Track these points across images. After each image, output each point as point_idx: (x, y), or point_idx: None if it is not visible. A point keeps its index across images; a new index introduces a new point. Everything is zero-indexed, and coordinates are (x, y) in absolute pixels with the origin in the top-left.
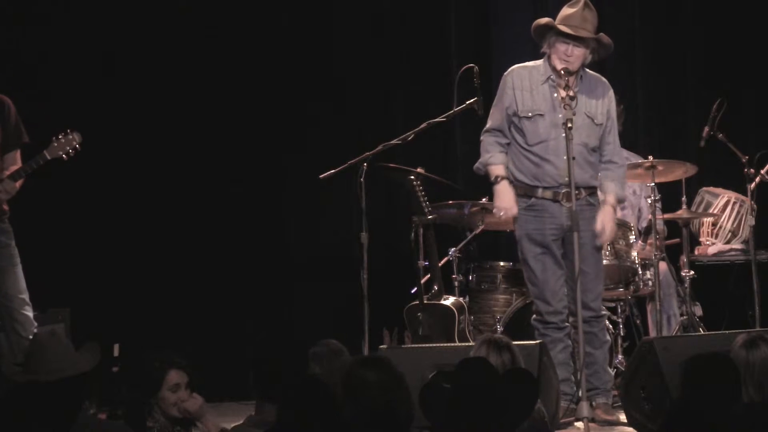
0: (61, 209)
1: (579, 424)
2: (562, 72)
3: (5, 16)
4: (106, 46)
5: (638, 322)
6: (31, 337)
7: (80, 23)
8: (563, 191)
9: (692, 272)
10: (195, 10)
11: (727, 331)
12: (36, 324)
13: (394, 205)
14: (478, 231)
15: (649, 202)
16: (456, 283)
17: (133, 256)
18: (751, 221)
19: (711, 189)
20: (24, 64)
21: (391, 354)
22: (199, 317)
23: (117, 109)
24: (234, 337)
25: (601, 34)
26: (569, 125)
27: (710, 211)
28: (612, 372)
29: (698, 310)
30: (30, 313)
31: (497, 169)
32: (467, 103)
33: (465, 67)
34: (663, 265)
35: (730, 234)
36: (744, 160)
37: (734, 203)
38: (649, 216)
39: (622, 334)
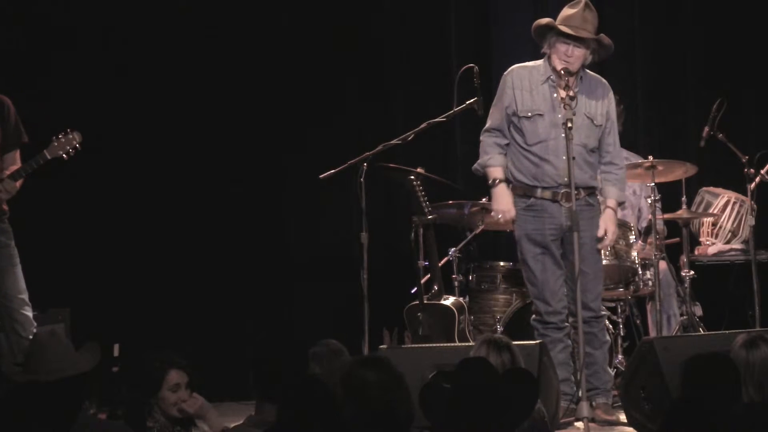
0: (61, 209)
1: (579, 424)
2: (562, 72)
3: (5, 16)
4: (107, 46)
5: (638, 322)
6: (30, 337)
7: (80, 23)
8: (562, 191)
9: (692, 272)
10: (195, 10)
11: (727, 331)
12: (36, 324)
13: (394, 205)
14: (478, 231)
15: (649, 202)
16: (456, 283)
17: (133, 257)
18: (751, 221)
19: (711, 189)
20: (24, 63)
21: (391, 354)
22: (199, 317)
23: (117, 109)
24: (234, 337)
25: (602, 34)
26: (569, 125)
27: (710, 211)
28: (612, 372)
29: (698, 310)
30: (30, 313)
31: (495, 172)
32: (467, 103)
33: (465, 67)
34: (663, 265)
35: (730, 234)
36: (744, 160)
37: (734, 203)
38: (649, 216)
39: (622, 334)
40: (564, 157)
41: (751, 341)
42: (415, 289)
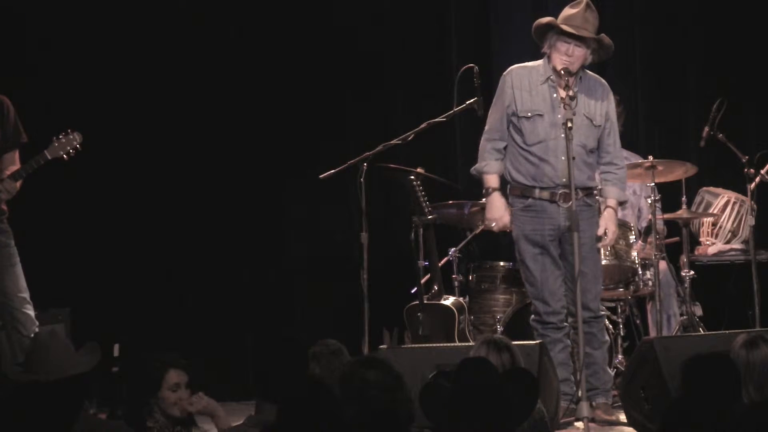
0: (61, 209)
1: (579, 424)
2: (563, 72)
3: (5, 16)
4: (107, 46)
5: (638, 322)
6: (32, 335)
7: (80, 23)
8: (560, 192)
9: (692, 272)
10: (194, 10)
11: (727, 331)
12: (37, 323)
13: (394, 205)
14: (478, 231)
15: (649, 202)
16: (456, 283)
17: (133, 257)
18: (751, 221)
19: (711, 189)
20: (24, 64)
21: (391, 354)
22: (199, 317)
23: (117, 109)
24: (234, 337)
25: (602, 34)
26: (569, 125)
27: (710, 211)
28: (612, 372)
29: (698, 310)
30: (31, 312)
31: (491, 180)
32: (467, 103)
33: (465, 67)
34: (663, 265)
35: (730, 234)
36: (744, 160)
37: (734, 203)
38: (649, 216)
39: (622, 334)
40: (563, 158)
41: (752, 341)
42: (415, 289)
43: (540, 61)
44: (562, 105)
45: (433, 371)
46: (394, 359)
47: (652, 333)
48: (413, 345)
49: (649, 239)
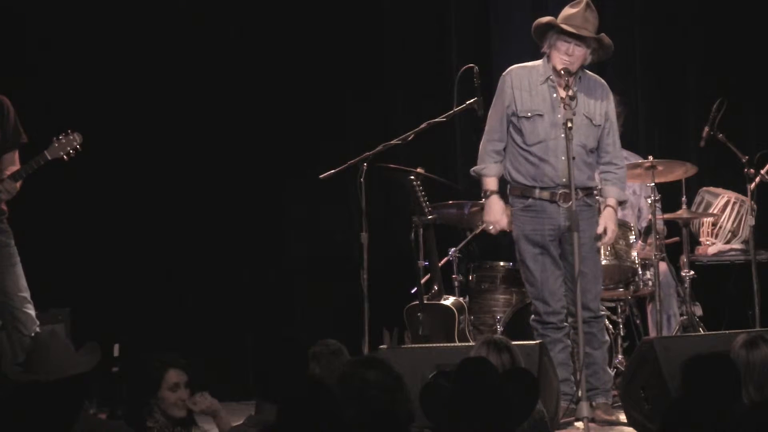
0: (61, 209)
1: (579, 424)
2: (563, 72)
3: (5, 16)
4: (107, 46)
5: (638, 322)
6: (33, 335)
7: (80, 23)
8: (560, 192)
9: (692, 272)
10: (194, 10)
11: (727, 331)
12: (38, 322)
13: (394, 205)
14: (478, 231)
15: (649, 202)
16: (456, 283)
17: (133, 257)
18: (751, 221)
19: (711, 189)
20: (24, 64)
21: (391, 354)
22: (199, 317)
23: (117, 109)
24: (234, 337)
25: (602, 34)
26: (569, 125)
27: (710, 211)
28: (612, 372)
29: (698, 310)
30: (32, 311)
31: (489, 183)
32: (467, 103)
33: (465, 67)
34: (663, 265)
35: (730, 234)
36: (744, 160)
37: (734, 203)
38: (649, 216)
39: (622, 334)
40: (563, 158)
41: (752, 341)
42: (415, 289)
43: (539, 61)
44: (561, 105)
45: (433, 371)
46: (394, 359)
47: (652, 333)
48: (413, 345)
49: (649, 239)
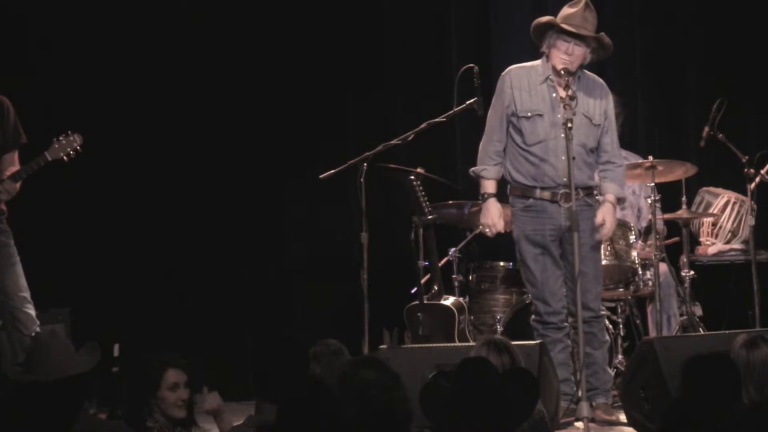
0: (61, 209)
1: (579, 424)
2: (563, 72)
3: (5, 16)
4: (107, 46)
5: (638, 322)
6: (33, 334)
7: (80, 23)
8: (561, 191)
9: (692, 272)
10: (194, 10)
11: (727, 331)
12: (38, 322)
13: (394, 205)
14: (478, 231)
15: (649, 202)
16: (456, 283)
17: (133, 257)
18: (751, 221)
19: (711, 189)
20: (24, 64)
21: (391, 354)
22: (199, 317)
23: (117, 110)
24: (234, 337)
25: (602, 33)
26: (569, 125)
27: (710, 211)
28: (612, 372)
29: (698, 310)
30: (32, 311)
31: (487, 185)
32: (467, 103)
33: (465, 67)
34: (663, 266)
35: (730, 234)
36: (744, 160)
37: (734, 203)
38: (649, 216)
39: (622, 334)
40: (563, 157)
41: (752, 341)
42: (415, 289)
43: (538, 61)
44: (561, 105)
45: (433, 371)
46: (394, 359)
47: (652, 333)
48: (413, 345)
49: (649, 239)
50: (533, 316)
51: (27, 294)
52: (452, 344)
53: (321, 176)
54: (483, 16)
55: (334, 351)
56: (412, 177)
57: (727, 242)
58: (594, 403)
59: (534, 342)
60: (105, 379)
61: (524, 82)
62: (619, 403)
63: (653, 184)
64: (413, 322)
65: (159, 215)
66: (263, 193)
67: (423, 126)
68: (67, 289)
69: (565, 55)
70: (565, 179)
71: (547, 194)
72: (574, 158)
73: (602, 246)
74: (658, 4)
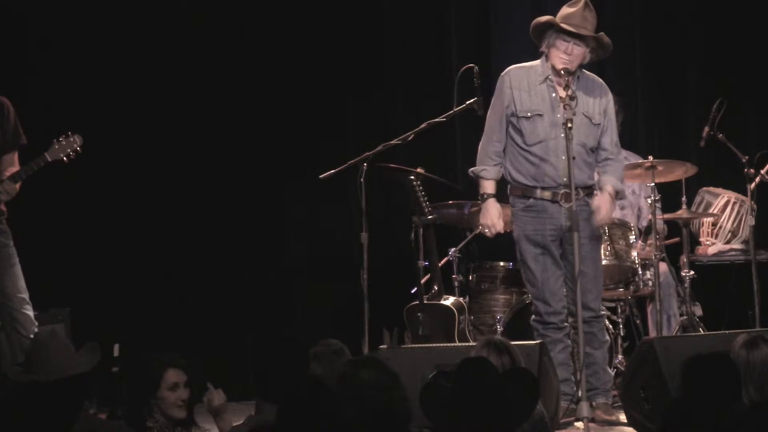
0: (60, 210)
1: (579, 424)
2: (563, 72)
3: (5, 16)
4: (107, 47)
5: (638, 322)
6: (32, 336)
7: (80, 23)
8: (562, 191)
9: (692, 272)
10: (194, 10)
11: (727, 331)
12: (36, 323)
13: (394, 205)
14: (478, 231)
15: (649, 202)
16: (456, 283)
17: (133, 257)
18: (751, 221)
19: (711, 189)
20: (24, 64)
21: (391, 354)
22: (199, 317)
23: (117, 110)
24: (234, 337)
25: (601, 33)
26: (569, 125)
27: (710, 211)
28: (612, 372)
29: (698, 310)
30: (30, 312)
31: (487, 186)
32: (467, 103)
33: (465, 67)
34: (663, 266)
35: (730, 234)
36: (744, 160)
37: (734, 203)
38: (650, 216)
39: (622, 334)
40: (563, 157)
41: (752, 341)
42: (415, 289)
43: (538, 61)
44: (561, 104)
45: (433, 371)
46: (394, 359)
47: (652, 333)
48: (413, 345)
49: (649, 239)
50: (533, 316)
51: (26, 295)
52: (452, 344)
53: (321, 176)
54: (483, 16)
55: (335, 351)
56: (412, 177)
57: (727, 242)
58: (594, 403)
59: (534, 342)
60: (105, 379)
61: (523, 83)
62: (619, 403)
63: (653, 184)
64: (413, 322)
65: (159, 215)
66: (263, 193)
67: (423, 126)
68: (67, 289)
69: (564, 54)
70: (565, 179)
71: (547, 194)
72: (574, 158)
73: (602, 246)
74: (658, 4)
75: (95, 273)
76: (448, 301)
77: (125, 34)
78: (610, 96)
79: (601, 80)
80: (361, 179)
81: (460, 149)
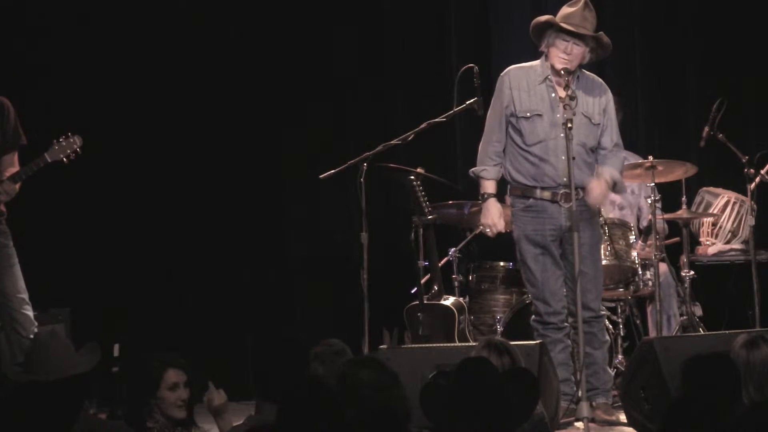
0: (60, 209)
1: (579, 424)
2: (562, 72)
3: (6, 18)
4: (107, 47)
5: (638, 322)
6: (31, 336)
7: (80, 23)
8: (561, 191)
9: (692, 272)
10: (194, 10)
11: (727, 331)
12: (36, 324)
13: (394, 205)
14: (478, 231)
15: (649, 202)
16: (456, 283)
17: (133, 257)
18: (751, 221)
19: (711, 189)
20: (24, 65)
21: (391, 354)
22: (199, 317)
23: (117, 110)
24: (234, 337)
25: (601, 33)
26: (569, 125)
27: (710, 211)
28: (612, 372)
29: (698, 310)
30: (30, 313)
31: (487, 185)
32: (467, 103)
33: (465, 67)
34: (663, 266)
35: (730, 234)
36: (744, 160)
37: (734, 203)
38: (650, 216)
39: (622, 334)
40: (563, 157)
41: (752, 341)
42: (415, 289)
43: (537, 62)
44: (561, 104)
45: (433, 371)
46: (394, 359)
47: (652, 333)
48: (413, 345)
49: (649, 239)
50: (533, 316)
51: (25, 295)
52: (452, 344)
53: (321, 176)
54: (483, 16)
55: (337, 351)
56: (412, 177)
57: (727, 242)
58: (594, 403)
59: (534, 342)
60: (105, 379)
61: (523, 83)
62: (619, 403)
63: (653, 184)
64: (413, 322)
65: (159, 215)
66: (263, 193)
67: (423, 126)
68: (67, 289)
69: (564, 54)
70: (565, 179)
71: (547, 194)
72: (574, 158)
73: (602, 246)
74: (658, 4)
75: (95, 273)
76: (448, 301)
77: (125, 35)
78: (610, 95)
79: (600, 80)
80: (361, 179)
81: (460, 149)
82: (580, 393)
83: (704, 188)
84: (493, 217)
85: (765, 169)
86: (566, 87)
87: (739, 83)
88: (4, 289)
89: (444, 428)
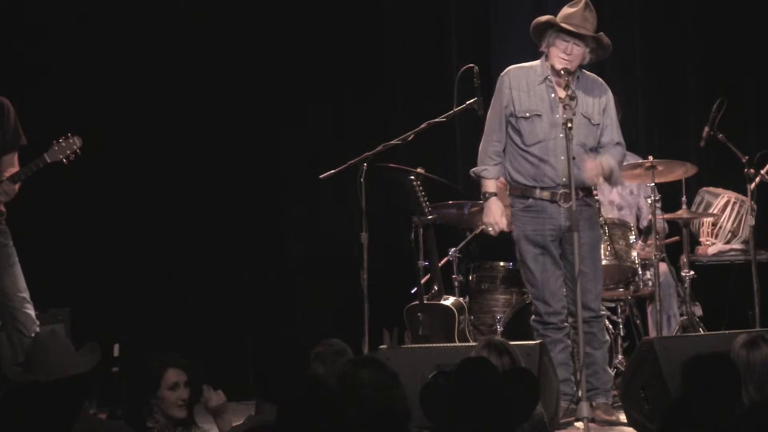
0: (60, 209)
1: (579, 424)
2: (562, 72)
3: (6, 18)
4: (107, 47)
5: (638, 322)
6: (33, 335)
7: (80, 24)
8: (561, 191)
9: (692, 272)
10: (194, 10)
11: (727, 331)
12: (38, 322)
13: (394, 205)
14: (478, 231)
15: (649, 202)
16: (456, 283)
17: (133, 257)
18: (751, 221)
19: (711, 189)
20: (24, 65)
21: (392, 354)
22: (199, 317)
23: (117, 109)
24: (234, 337)
25: (601, 33)
26: (569, 125)
27: (710, 211)
28: (612, 372)
29: (698, 310)
30: (31, 312)
31: (488, 185)
32: (467, 103)
33: (465, 67)
34: (663, 266)
35: (730, 234)
36: (744, 160)
37: (734, 203)
38: (650, 216)
39: (622, 334)
40: (563, 158)
41: (752, 341)
42: (415, 289)
43: (537, 62)
44: (560, 105)
45: (433, 371)
46: (394, 359)
47: (652, 333)
48: (413, 345)
49: (649, 239)
50: (533, 317)
51: (26, 294)
52: (452, 344)
53: (321, 176)
54: (483, 16)
55: (338, 351)
56: (412, 177)
57: (727, 242)
58: (594, 403)
59: (534, 342)
60: (105, 379)
61: (523, 83)
62: (619, 403)
63: (653, 184)
64: (413, 322)
65: (159, 215)
66: (263, 193)
67: (423, 126)
68: (67, 289)
69: (564, 54)
70: (564, 179)
71: (546, 194)
72: (573, 158)
73: (602, 246)
74: (658, 4)
75: (95, 273)
76: (448, 301)
77: (125, 35)
78: (610, 95)
79: (600, 80)
80: (361, 179)
81: (460, 149)
82: (580, 393)
83: (704, 188)
84: (495, 215)
85: (765, 169)
86: (566, 87)
87: (739, 83)
88: (5, 289)
89: (444, 428)
